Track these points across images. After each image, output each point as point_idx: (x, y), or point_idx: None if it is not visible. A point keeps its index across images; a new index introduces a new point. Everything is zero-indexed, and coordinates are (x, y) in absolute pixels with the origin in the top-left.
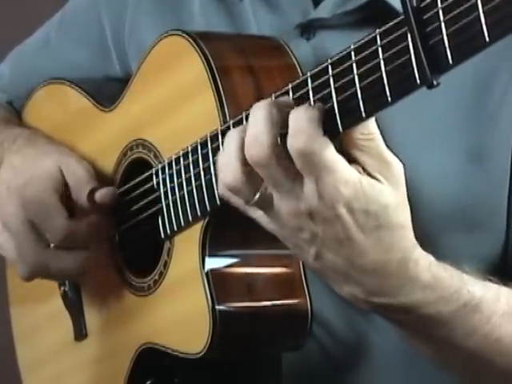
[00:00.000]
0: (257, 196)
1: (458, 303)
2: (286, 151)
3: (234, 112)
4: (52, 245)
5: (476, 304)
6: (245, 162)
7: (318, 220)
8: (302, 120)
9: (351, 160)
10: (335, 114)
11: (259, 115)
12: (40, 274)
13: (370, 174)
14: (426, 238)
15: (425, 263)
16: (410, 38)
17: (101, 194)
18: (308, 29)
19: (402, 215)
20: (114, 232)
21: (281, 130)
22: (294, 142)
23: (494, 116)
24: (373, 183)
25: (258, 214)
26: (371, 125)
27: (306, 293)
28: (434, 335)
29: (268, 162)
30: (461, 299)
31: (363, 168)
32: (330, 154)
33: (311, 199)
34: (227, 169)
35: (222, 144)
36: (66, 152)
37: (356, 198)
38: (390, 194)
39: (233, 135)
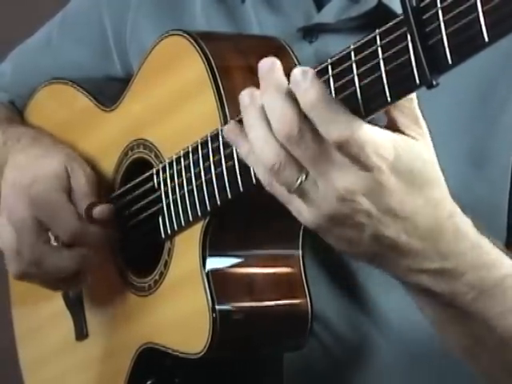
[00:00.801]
0: (301, 178)
1: (500, 272)
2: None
3: (234, 112)
4: (52, 242)
5: None
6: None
7: (368, 194)
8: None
9: (385, 124)
10: None
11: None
12: (34, 271)
13: (404, 133)
14: None
15: (468, 220)
16: (409, 38)
17: (98, 211)
18: (311, 32)
19: (439, 172)
20: (118, 234)
21: None
22: (325, 134)
23: (496, 118)
24: (411, 142)
25: (299, 206)
26: None
27: (307, 293)
28: (473, 311)
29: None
30: (502, 269)
31: (398, 129)
32: (364, 132)
33: (363, 176)
34: (265, 148)
35: (223, 144)
36: (72, 154)
37: (398, 158)
38: (427, 151)
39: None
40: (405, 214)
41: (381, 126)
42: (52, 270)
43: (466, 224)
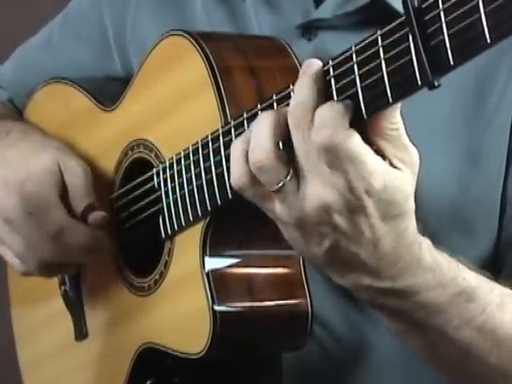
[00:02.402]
0: (286, 179)
1: (454, 290)
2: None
3: (235, 112)
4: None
5: (471, 292)
6: (276, 143)
7: (344, 212)
8: (325, 115)
9: (373, 149)
10: None
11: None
12: (48, 265)
13: (391, 163)
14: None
15: (426, 246)
16: (411, 39)
17: (93, 217)
18: (309, 29)
19: (413, 202)
20: (115, 230)
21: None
22: (316, 137)
23: (492, 119)
24: (399, 174)
25: (274, 205)
26: (397, 114)
27: (307, 293)
28: (429, 325)
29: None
30: (457, 286)
31: (386, 157)
32: (357, 145)
33: (341, 191)
34: (257, 148)
35: (224, 144)
36: (62, 148)
37: (384, 188)
38: (411, 183)
39: (264, 117)
40: (370, 237)
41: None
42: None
43: (423, 250)
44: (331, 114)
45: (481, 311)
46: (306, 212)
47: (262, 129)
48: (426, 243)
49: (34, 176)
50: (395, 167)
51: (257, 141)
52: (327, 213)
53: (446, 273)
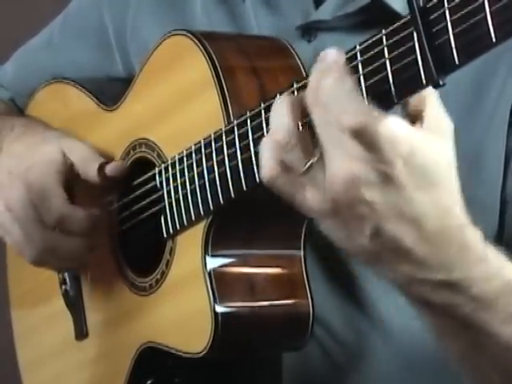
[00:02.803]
0: (313, 159)
1: (502, 281)
2: None
3: (237, 112)
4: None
5: None
6: (296, 124)
7: (374, 184)
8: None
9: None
10: None
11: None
12: (47, 258)
13: (424, 129)
14: None
15: (477, 232)
16: (416, 38)
17: (111, 168)
18: (309, 31)
19: (453, 177)
20: (116, 230)
21: None
22: (337, 114)
23: (490, 116)
24: (429, 138)
25: (305, 194)
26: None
27: (308, 293)
28: (475, 321)
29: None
30: (505, 277)
31: (420, 122)
32: (385, 121)
33: (367, 161)
34: (279, 128)
35: (226, 143)
36: (67, 137)
37: (412, 154)
38: (447, 153)
39: (281, 100)
40: (411, 214)
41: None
42: (65, 256)
43: (474, 236)
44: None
45: None
46: (336, 191)
47: (281, 111)
48: (476, 231)
49: (38, 165)
50: (427, 133)
51: (277, 122)
52: (356, 187)
53: (495, 262)
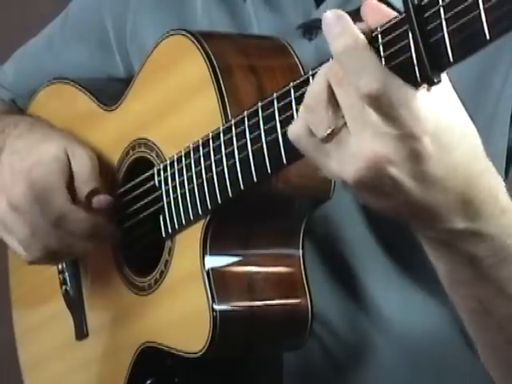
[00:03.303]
0: (335, 125)
1: None
2: None
3: (235, 111)
4: None
5: None
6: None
7: (402, 164)
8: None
9: None
10: None
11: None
12: (53, 253)
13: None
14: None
15: (500, 180)
16: (410, 36)
17: (98, 200)
18: (310, 29)
19: (473, 127)
20: (116, 229)
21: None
22: (359, 86)
23: (490, 116)
24: (449, 96)
25: (329, 161)
26: None
27: (307, 292)
28: (492, 276)
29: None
30: None
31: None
32: (403, 88)
33: (394, 139)
34: (309, 89)
35: (224, 142)
36: (70, 137)
37: (438, 121)
38: (460, 107)
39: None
40: (436, 177)
41: None
42: (70, 251)
43: (498, 185)
44: (367, 59)
45: None
46: (360, 170)
47: (316, 77)
48: (499, 178)
49: (42, 163)
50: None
51: (310, 86)
52: (380, 167)
53: None
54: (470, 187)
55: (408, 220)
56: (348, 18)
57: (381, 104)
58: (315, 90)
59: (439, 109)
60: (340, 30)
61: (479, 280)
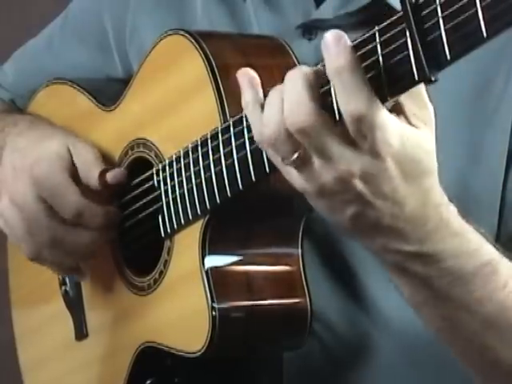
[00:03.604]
0: (295, 156)
1: (480, 260)
2: (333, 118)
3: (234, 111)
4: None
5: (495, 265)
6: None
7: (369, 179)
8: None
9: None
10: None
11: (296, 82)
12: (49, 253)
13: (408, 121)
14: None
15: (453, 210)
16: (408, 35)
17: (112, 175)
18: (310, 29)
19: (435, 161)
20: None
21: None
22: (346, 108)
23: (492, 117)
24: (417, 132)
25: (292, 174)
26: None
27: (306, 292)
28: (451, 295)
29: (314, 131)
30: (484, 257)
31: (402, 113)
32: (383, 112)
33: (366, 160)
34: (269, 122)
35: (223, 142)
36: (71, 134)
37: (403, 147)
38: (430, 140)
39: (275, 94)
40: (395, 199)
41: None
42: (72, 248)
43: (450, 213)
44: (357, 81)
45: (503, 285)
46: (327, 183)
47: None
48: (452, 207)
49: (43, 159)
50: (413, 125)
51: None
52: (349, 181)
53: (473, 241)
54: (424, 215)
55: (361, 236)
56: (346, 40)
57: (361, 125)
58: (278, 126)
59: (412, 140)
60: (336, 52)
61: (438, 300)
